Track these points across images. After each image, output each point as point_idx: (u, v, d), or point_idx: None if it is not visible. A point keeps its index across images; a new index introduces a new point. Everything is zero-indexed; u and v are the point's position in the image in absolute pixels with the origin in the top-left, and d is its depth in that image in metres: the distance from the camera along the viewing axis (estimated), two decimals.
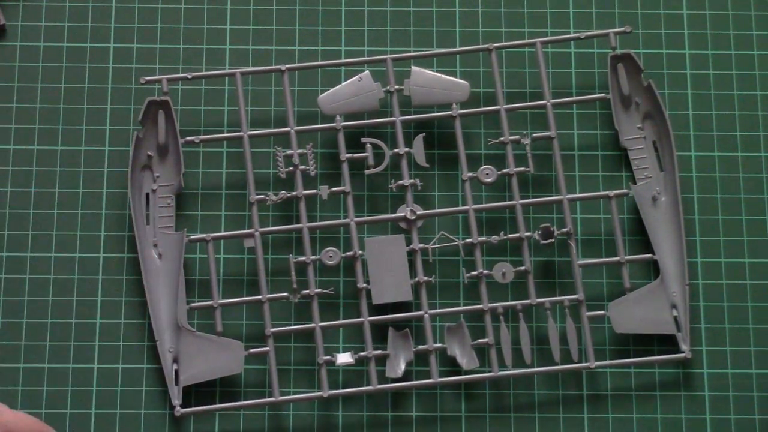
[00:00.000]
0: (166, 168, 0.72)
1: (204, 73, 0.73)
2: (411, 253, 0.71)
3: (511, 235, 0.71)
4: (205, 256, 0.72)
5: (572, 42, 0.76)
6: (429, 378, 0.70)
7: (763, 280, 0.72)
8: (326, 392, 0.69)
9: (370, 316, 0.70)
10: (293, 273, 0.70)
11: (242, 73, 0.73)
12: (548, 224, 0.71)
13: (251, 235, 0.71)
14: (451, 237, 0.72)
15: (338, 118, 0.72)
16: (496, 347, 0.71)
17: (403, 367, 0.70)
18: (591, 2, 0.76)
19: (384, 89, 0.73)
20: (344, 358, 0.70)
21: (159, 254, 0.71)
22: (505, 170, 0.72)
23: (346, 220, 0.71)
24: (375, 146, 0.73)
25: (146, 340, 0.71)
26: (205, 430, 0.70)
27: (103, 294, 0.72)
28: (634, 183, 0.73)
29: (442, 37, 0.76)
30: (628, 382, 0.71)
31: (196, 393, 0.70)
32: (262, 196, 0.71)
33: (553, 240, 0.71)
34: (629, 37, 0.76)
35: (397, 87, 0.73)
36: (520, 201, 0.71)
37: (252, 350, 0.69)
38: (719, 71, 0.76)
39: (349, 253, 0.71)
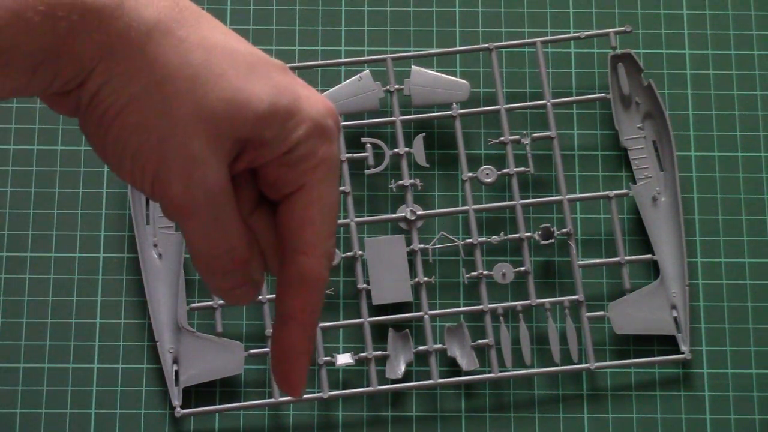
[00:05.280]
0: None
1: None
2: (411, 254, 0.71)
3: (511, 236, 0.71)
4: None
5: (572, 42, 0.76)
6: (429, 378, 0.70)
7: (763, 280, 0.72)
8: (326, 393, 0.69)
9: (370, 316, 0.70)
10: None
11: None
12: (548, 224, 0.71)
13: None
14: (451, 237, 0.72)
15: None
16: (496, 348, 0.71)
17: (403, 367, 0.70)
18: (591, 2, 0.76)
19: (384, 89, 0.73)
20: (344, 358, 0.70)
21: (159, 254, 0.71)
22: (505, 170, 0.72)
23: (346, 220, 0.71)
24: (375, 146, 0.73)
25: (146, 340, 0.71)
26: (205, 430, 0.70)
27: (103, 294, 0.72)
28: (634, 183, 0.73)
29: (442, 37, 0.76)
30: (628, 382, 0.71)
31: (196, 393, 0.70)
32: None
33: (553, 240, 0.71)
34: (629, 37, 0.76)
35: (397, 87, 0.73)
36: (520, 201, 0.71)
37: (252, 351, 0.69)
38: (719, 71, 0.76)
39: (349, 254, 0.71)
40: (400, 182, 0.72)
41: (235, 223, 0.46)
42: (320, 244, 0.47)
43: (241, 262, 0.47)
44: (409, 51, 0.75)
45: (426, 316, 0.70)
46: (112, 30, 0.43)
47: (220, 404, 0.70)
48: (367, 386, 0.70)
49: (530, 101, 0.74)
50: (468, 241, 0.71)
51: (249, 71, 0.45)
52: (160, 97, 0.44)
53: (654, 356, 0.71)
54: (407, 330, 0.70)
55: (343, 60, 0.74)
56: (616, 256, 0.71)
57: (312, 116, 0.46)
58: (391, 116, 0.73)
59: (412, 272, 0.71)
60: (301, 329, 0.47)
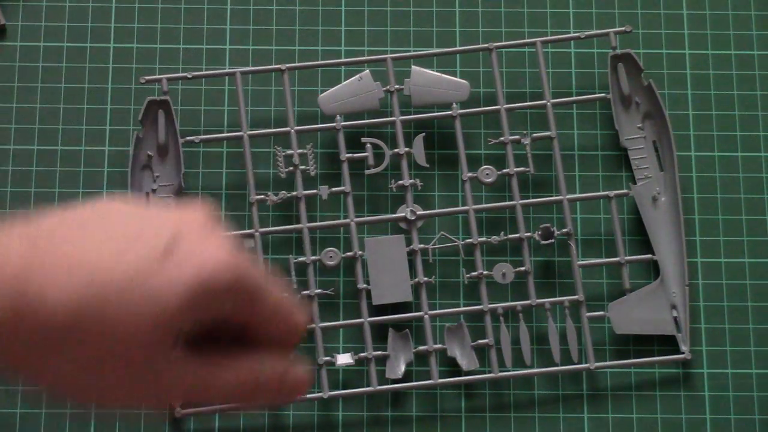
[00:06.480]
0: (166, 168, 0.72)
1: (204, 72, 0.73)
2: (411, 254, 0.71)
3: (511, 236, 0.71)
4: None
5: (572, 42, 0.76)
6: (429, 378, 0.70)
7: (763, 280, 0.73)
8: (326, 393, 0.69)
9: (370, 316, 0.70)
10: (293, 273, 0.70)
11: (242, 73, 0.73)
12: (548, 224, 0.71)
13: (251, 235, 0.71)
14: (451, 237, 0.72)
15: (338, 117, 0.72)
16: (496, 348, 0.71)
17: (403, 367, 0.70)
18: (591, 2, 0.76)
19: (384, 89, 0.73)
20: (344, 358, 0.70)
21: None
22: (505, 170, 0.72)
23: (346, 221, 0.71)
24: (375, 146, 0.73)
25: None
26: (205, 429, 0.70)
27: None
28: (634, 183, 0.73)
29: (442, 37, 0.76)
30: (628, 382, 0.71)
31: None
32: (262, 196, 0.71)
33: (553, 240, 0.71)
34: (629, 37, 0.76)
35: (397, 87, 0.73)
36: (520, 201, 0.71)
37: None
38: (719, 71, 0.76)
39: (349, 254, 0.71)
40: (400, 182, 0.72)
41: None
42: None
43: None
44: (409, 51, 0.76)
45: (426, 316, 0.70)
46: None
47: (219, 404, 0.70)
48: (367, 386, 0.70)
49: (530, 101, 0.74)
50: (468, 241, 0.71)
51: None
52: None
53: (654, 356, 0.71)
54: (407, 330, 0.70)
55: (343, 60, 0.74)
56: (616, 256, 0.71)
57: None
58: (391, 116, 0.73)
59: (412, 272, 0.71)
60: None
